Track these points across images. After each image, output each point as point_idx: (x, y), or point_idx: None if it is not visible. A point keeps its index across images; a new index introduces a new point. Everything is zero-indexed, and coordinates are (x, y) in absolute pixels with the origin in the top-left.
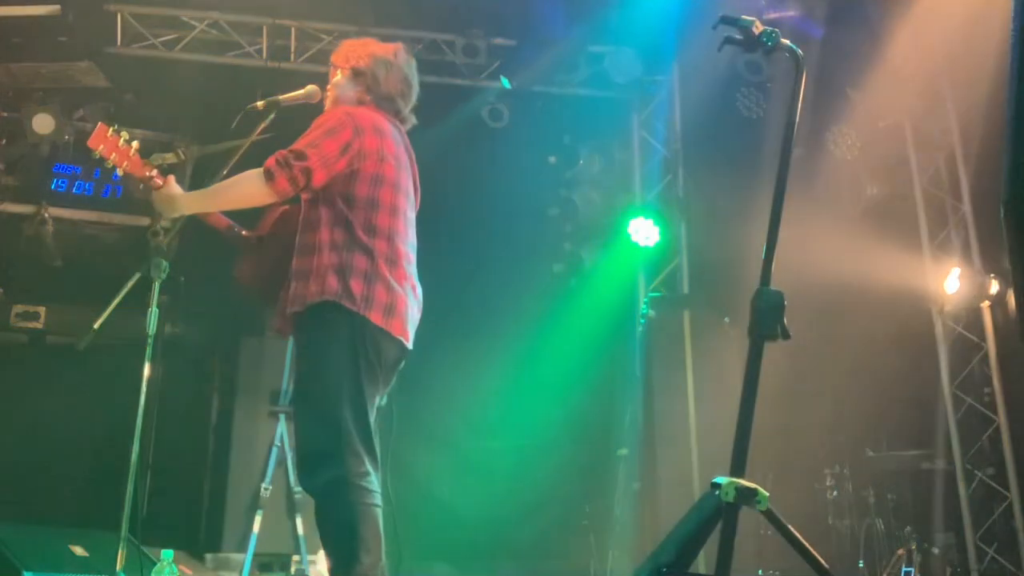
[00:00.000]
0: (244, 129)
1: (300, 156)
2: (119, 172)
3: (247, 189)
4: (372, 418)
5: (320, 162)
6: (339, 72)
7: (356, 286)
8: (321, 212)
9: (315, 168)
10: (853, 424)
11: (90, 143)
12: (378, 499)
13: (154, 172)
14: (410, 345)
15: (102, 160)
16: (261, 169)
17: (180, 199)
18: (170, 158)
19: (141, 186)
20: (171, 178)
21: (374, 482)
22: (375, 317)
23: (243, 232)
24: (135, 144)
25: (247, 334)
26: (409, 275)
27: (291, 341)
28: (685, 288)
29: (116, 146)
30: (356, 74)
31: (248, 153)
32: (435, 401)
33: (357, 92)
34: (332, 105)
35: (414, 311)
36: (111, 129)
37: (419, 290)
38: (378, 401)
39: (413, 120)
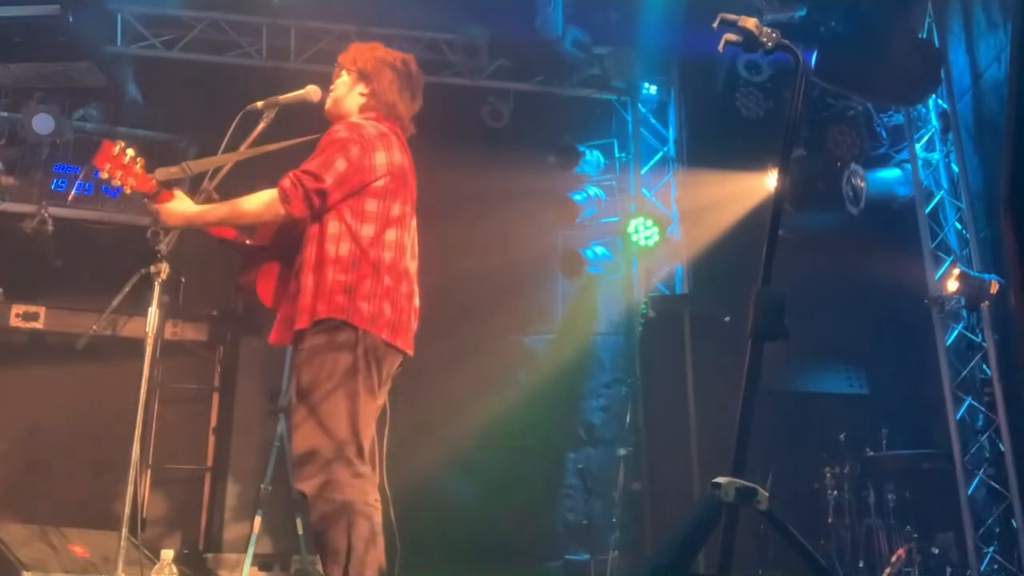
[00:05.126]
0: (243, 129)
1: (315, 178)
2: (125, 191)
3: (262, 209)
4: (372, 423)
5: (335, 183)
6: (344, 73)
7: (363, 304)
8: (328, 226)
9: (330, 190)
10: (853, 424)
11: (96, 162)
12: (372, 500)
13: (160, 187)
14: (411, 352)
15: (108, 180)
16: (276, 190)
17: (191, 214)
18: (175, 172)
19: (146, 200)
20: (179, 192)
21: (368, 483)
22: (382, 332)
23: (246, 240)
24: (140, 160)
25: (247, 334)
26: (412, 286)
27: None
28: (685, 288)
29: (122, 163)
30: (362, 77)
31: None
32: (435, 401)
33: (361, 95)
34: (334, 105)
35: (414, 321)
36: (117, 147)
37: (416, 299)
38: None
39: (411, 128)
